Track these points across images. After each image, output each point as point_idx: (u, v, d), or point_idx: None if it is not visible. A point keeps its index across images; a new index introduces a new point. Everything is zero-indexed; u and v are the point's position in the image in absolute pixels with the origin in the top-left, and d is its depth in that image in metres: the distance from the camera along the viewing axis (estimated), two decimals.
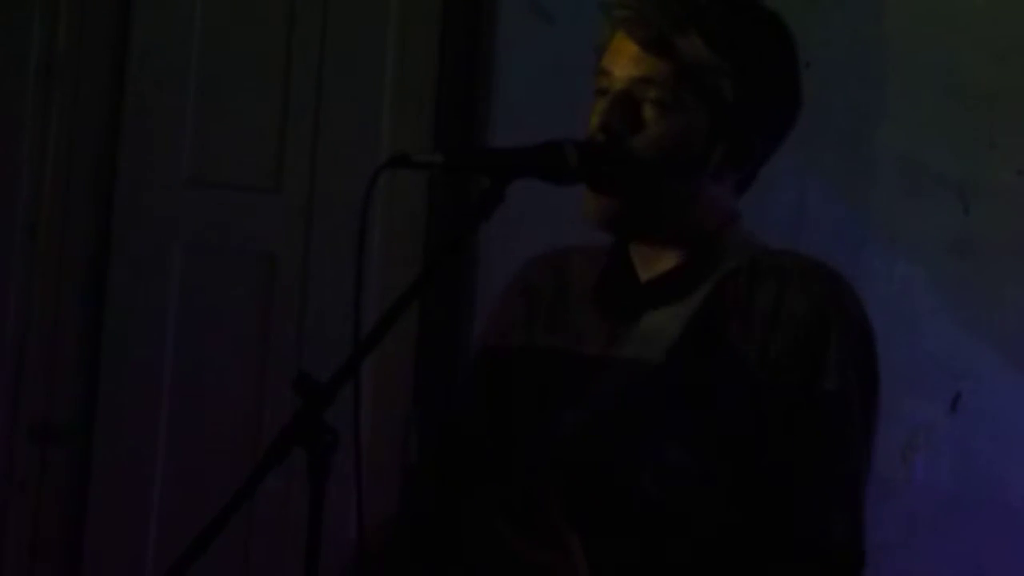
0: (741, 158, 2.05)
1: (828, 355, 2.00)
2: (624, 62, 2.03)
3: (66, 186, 3.65)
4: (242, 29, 3.67)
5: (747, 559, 1.99)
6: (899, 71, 3.67)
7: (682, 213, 2.06)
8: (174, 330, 3.61)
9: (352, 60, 3.64)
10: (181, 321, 3.62)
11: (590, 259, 2.18)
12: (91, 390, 3.61)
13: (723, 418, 1.99)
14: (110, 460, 3.58)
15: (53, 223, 3.64)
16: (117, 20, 3.67)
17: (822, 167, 3.60)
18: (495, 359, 2.18)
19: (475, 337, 2.24)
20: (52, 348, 3.63)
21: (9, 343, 3.62)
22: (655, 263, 2.09)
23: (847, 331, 2.02)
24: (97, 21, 3.69)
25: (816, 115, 3.58)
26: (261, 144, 3.65)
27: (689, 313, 2.03)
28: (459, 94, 3.62)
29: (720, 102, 2.01)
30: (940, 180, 3.66)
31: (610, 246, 2.15)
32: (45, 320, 3.63)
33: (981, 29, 3.62)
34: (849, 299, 2.05)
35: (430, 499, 2.22)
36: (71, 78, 3.66)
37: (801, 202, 3.55)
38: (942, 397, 3.62)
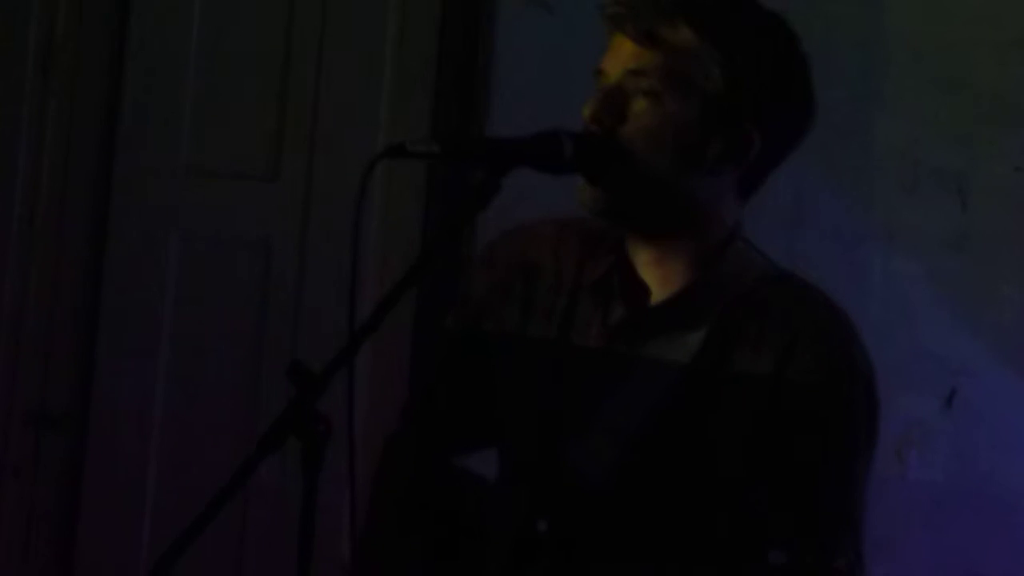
0: (738, 153, 2.04)
1: (836, 408, 2.02)
2: (617, 59, 2.04)
3: (63, 175, 3.65)
4: (240, 18, 3.67)
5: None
6: (898, 66, 3.67)
7: (682, 211, 2.05)
8: (170, 318, 3.61)
9: (350, 49, 3.64)
10: (177, 309, 3.62)
11: (560, 236, 2.16)
12: (87, 377, 3.61)
13: (725, 449, 2.01)
14: (105, 447, 3.59)
15: (50, 212, 3.64)
16: (115, 10, 3.67)
17: (820, 162, 3.60)
18: (468, 337, 2.18)
19: (449, 314, 2.22)
20: (48, 335, 3.64)
21: (5, 330, 3.63)
22: (660, 275, 2.07)
23: (854, 388, 2.04)
24: (95, 10, 3.69)
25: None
26: (258, 133, 3.65)
27: (697, 346, 2.03)
28: (458, 84, 3.62)
29: (711, 92, 2.01)
30: (938, 176, 3.66)
31: (588, 226, 2.14)
32: (42, 307, 3.63)
33: (981, 24, 3.62)
34: (859, 355, 2.06)
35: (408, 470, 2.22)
36: (69, 67, 3.66)
37: (799, 197, 3.55)
38: (938, 393, 3.61)
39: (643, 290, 2.07)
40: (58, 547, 3.60)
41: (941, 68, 3.65)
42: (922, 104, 3.67)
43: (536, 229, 2.19)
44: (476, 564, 2.11)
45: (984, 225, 3.65)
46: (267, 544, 3.53)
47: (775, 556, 2.00)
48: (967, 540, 3.61)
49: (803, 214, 3.58)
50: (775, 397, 2.00)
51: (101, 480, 3.58)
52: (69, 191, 3.65)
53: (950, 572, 3.62)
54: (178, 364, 3.61)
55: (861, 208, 3.62)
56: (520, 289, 2.15)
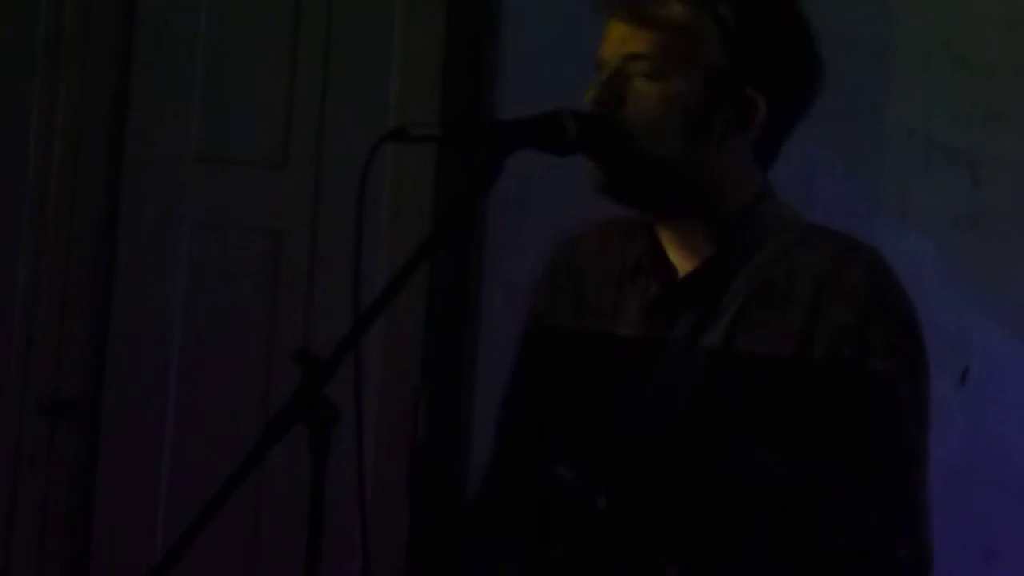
0: (745, 120, 2.03)
1: (871, 343, 1.97)
2: (614, 45, 2.03)
3: (74, 163, 3.65)
4: (249, 5, 3.67)
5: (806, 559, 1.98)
6: (908, 43, 3.66)
7: (692, 186, 2.04)
8: (181, 305, 3.62)
9: (359, 35, 3.64)
10: (188, 296, 3.62)
11: (603, 235, 2.17)
12: (99, 365, 3.61)
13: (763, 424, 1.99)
14: (119, 434, 3.59)
15: (61, 200, 3.65)
16: None
17: (831, 141, 3.59)
18: (536, 345, 2.20)
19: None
20: (61, 323, 3.64)
21: (18, 318, 3.63)
22: (687, 249, 2.07)
23: (890, 318, 1.99)
24: None
25: (825, 89, 3.60)
26: (268, 120, 3.65)
27: (727, 320, 2.01)
28: (466, 68, 3.62)
29: (711, 64, 2.00)
30: (949, 153, 3.65)
31: (631, 222, 2.14)
32: (54, 296, 3.64)
33: (991, 2, 3.61)
34: (892, 286, 2.02)
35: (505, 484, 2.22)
36: (78, 54, 3.66)
37: (810, 176, 3.54)
38: (951, 371, 3.61)
39: (671, 269, 2.08)
40: (73, 534, 3.61)
41: (951, 46, 3.65)
42: (933, 82, 3.66)
43: (582, 233, 2.20)
44: (545, 544, 2.12)
45: (995, 202, 3.65)
46: (279, 528, 3.54)
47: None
48: (981, 518, 3.61)
49: (814, 192, 3.57)
50: (807, 352, 1.97)
51: (115, 467, 3.59)
52: (79, 180, 3.65)
53: (964, 550, 3.62)
54: (190, 351, 3.61)
55: (872, 186, 3.61)
56: (572, 289, 2.17)
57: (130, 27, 3.65)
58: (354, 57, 3.64)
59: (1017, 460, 3.63)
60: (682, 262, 2.08)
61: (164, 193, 3.63)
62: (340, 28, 3.64)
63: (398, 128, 1.89)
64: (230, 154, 3.65)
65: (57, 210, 3.64)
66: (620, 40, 2.02)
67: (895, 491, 1.99)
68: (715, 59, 1.99)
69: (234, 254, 3.64)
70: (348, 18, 3.64)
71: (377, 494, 3.45)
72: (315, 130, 3.64)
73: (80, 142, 3.66)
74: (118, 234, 3.62)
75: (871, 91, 3.65)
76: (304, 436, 1.75)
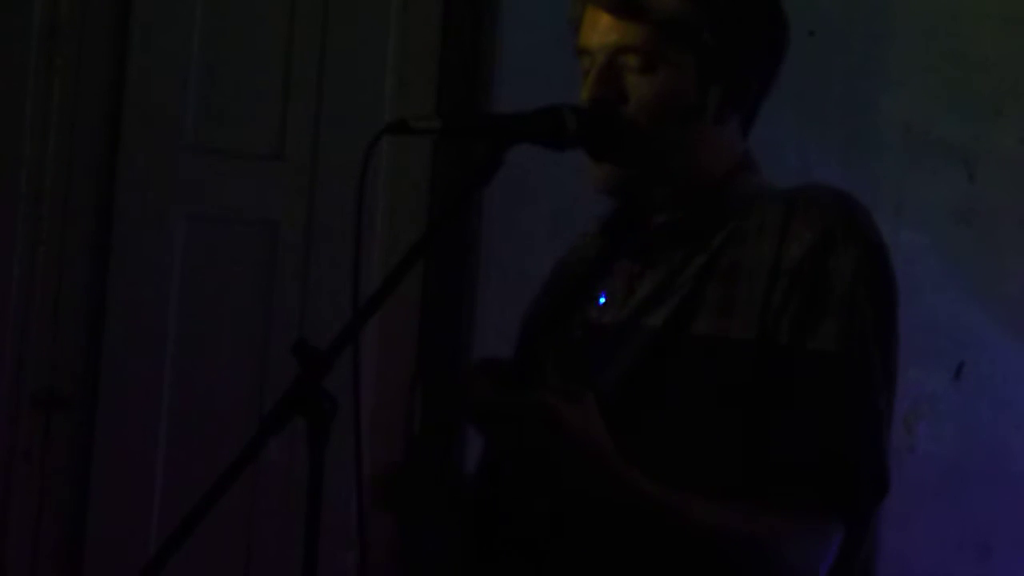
0: (739, 98, 2.02)
1: (836, 261, 1.93)
2: (599, 35, 2.01)
3: (68, 154, 3.65)
4: None
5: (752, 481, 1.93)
6: (903, 38, 3.66)
7: (686, 160, 2.03)
8: (177, 297, 3.61)
9: (355, 26, 3.64)
10: (184, 288, 3.62)
11: (590, 228, 2.17)
12: (95, 358, 3.61)
13: (726, 375, 1.95)
14: (114, 428, 3.59)
15: (56, 190, 3.64)
16: None
17: (826, 135, 3.60)
18: (525, 333, 2.19)
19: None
20: (55, 315, 3.63)
21: (13, 311, 3.62)
22: (664, 209, 2.06)
23: (855, 249, 1.95)
24: None
25: (819, 83, 3.60)
26: (264, 111, 3.64)
27: (694, 272, 1.99)
28: (463, 61, 3.61)
29: (703, 49, 1.99)
30: (945, 148, 3.66)
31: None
32: (48, 288, 3.63)
33: None
34: (861, 219, 1.99)
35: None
36: (74, 44, 3.65)
37: (805, 170, 3.54)
38: (946, 366, 3.62)
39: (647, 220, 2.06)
40: (68, 527, 3.61)
41: (947, 41, 3.65)
42: (928, 77, 3.66)
43: (574, 240, 2.20)
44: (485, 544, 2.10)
45: (991, 197, 3.65)
46: (275, 521, 3.54)
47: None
48: (977, 512, 3.61)
49: None
50: (775, 276, 1.93)
51: (110, 461, 3.58)
52: (74, 171, 3.65)
53: (960, 544, 3.62)
54: (185, 343, 3.61)
55: (868, 181, 3.61)
56: (557, 285, 2.17)
57: (126, 18, 3.64)
58: (351, 49, 3.63)
59: (1012, 454, 3.63)
60: (658, 215, 2.06)
61: (159, 185, 3.62)
62: (336, 20, 3.63)
63: (398, 120, 1.88)
64: (226, 146, 3.65)
65: (52, 202, 3.64)
66: (605, 30, 2.00)
67: (855, 413, 1.94)
68: (706, 43, 1.99)
69: (230, 246, 3.64)
70: (345, 10, 3.64)
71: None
72: (311, 122, 3.63)
73: (75, 133, 3.65)
74: (113, 226, 3.61)
75: (867, 87, 3.66)
76: (298, 428, 1.75)
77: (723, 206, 2.02)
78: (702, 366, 1.94)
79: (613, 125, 1.99)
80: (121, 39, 3.64)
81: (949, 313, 3.60)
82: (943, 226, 3.64)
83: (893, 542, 3.31)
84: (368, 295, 1.84)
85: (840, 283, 1.93)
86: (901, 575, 3.50)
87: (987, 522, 3.62)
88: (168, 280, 3.61)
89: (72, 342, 3.63)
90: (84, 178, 3.64)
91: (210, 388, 3.60)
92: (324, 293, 3.57)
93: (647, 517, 1.87)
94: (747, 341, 1.93)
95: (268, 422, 1.72)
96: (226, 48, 3.65)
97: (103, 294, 3.61)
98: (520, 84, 3.49)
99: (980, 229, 3.64)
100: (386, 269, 3.12)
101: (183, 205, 3.63)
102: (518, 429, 1.83)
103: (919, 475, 3.54)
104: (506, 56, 3.56)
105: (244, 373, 3.59)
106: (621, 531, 1.90)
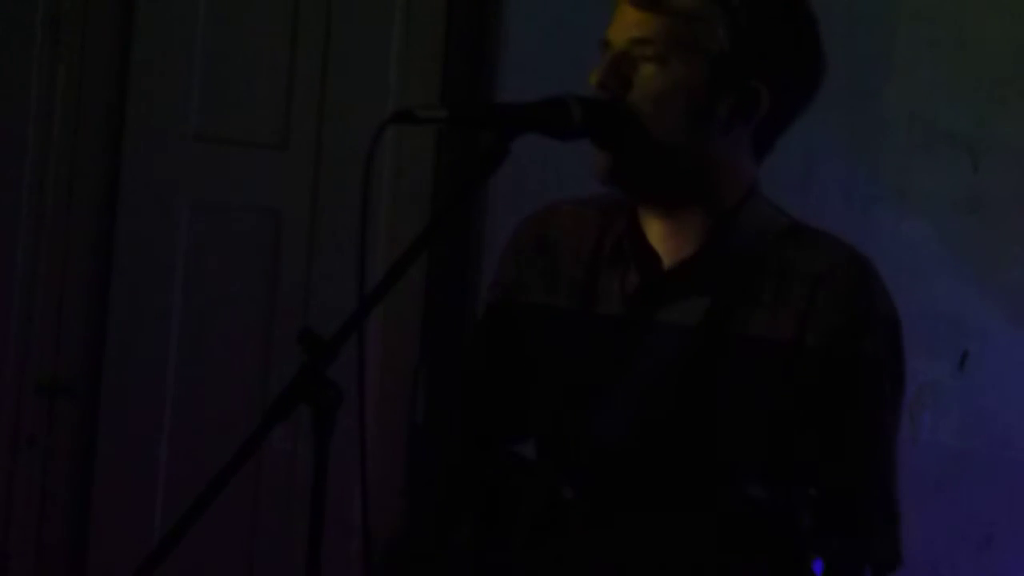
0: (747, 109, 2.03)
1: (860, 345, 2.02)
2: (622, 28, 2.03)
3: (72, 144, 3.65)
4: None
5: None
6: (908, 28, 3.66)
7: (695, 173, 2.04)
8: (181, 285, 3.62)
9: (360, 16, 3.63)
10: (188, 276, 3.62)
11: (577, 212, 2.16)
12: (98, 345, 3.61)
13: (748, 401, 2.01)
14: (118, 415, 3.59)
15: (60, 179, 3.64)
16: None
17: (830, 124, 3.59)
18: (502, 318, 2.18)
19: (480, 298, 2.23)
20: (60, 303, 3.63)
21: (17, 298, 3.62)
22: (677, 239, 2.06)
23: (878, 326, 2.03)
24: None
25: (823, 83, 3.60)
26: (268, 100, 3.64)
27: (708, 306, 2.02)
28: (467, 50, 3.62)
29: (717, 51, 2.00)
30: (949, 137, 3.65)
31: (606, 201, 2.14)
32: (53, 276, 3.63)
33: None
34: (879, 296, 2.05)
35: (446, 455, 2.23)
36: (78, 33, 3.65)
37: (810, 159, 3.54)
38: (949, 355, 3.62)
39: (654, 257, 2.07)
40: (72, 514, 3.61)
41: (951, 30, 3.65)
42: (932, 66, 3.66)
43: (555, 207, 2.19)
44: (508, 535, 2.11)
45: (995, 186, 3.65)
46: (280, 510, 3.54)
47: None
48: (980, 502, 3.62)
49: (813, 176, 3.58)
50: (798, 356, 1.99)
51: (114, 448, 3.59)
52: (78, 160, 3.65)
53: (963, 534, 3.63)
54: (189, 332, 3.61)
55: (871, 170, 3.61)
56: (543, 264, 2.15)
57: (130, 6, 3.64)
58: (355, 38, 3.63)
59: (1015, 444, 3.63)
60: (668, 251, 2.07)
61: (164, 173, 3.62)
62: (342, 9, 3.63)
63: (404, 110, 1.88)
64: (230, 135, 3.65)
65: (56, 190, 3.64)
66: (629, 24, 2.02)
67: (872, 486, 2.08)
68: (722, 48, 2.00)
69: (234, 235, 3.64)
70: (349, 0, 3.64)
71: (374, 475, 3.45)
72: (316, 111, 3.63)
73: (79, 122, 3.65)
74: (117, 215, 3.62)
75: (872, 75, 3.65)
76: (301, 417, 1.75)
77: (732, 241, 2.04)
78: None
79: (616, 113, 1.99)
80: (125, 28, 3.64)
81: (953, 302, 3.61)
82: (947, 215, 3.64)
83: None
84: (372, 284, 1.84)
85: (869, 373, 2.03)
86: (903, 564, 3.50)
87: (991, 513, 3.62)
88: (172, 268, 3.62)
89: (76, 329, 3.63)
90: (88, 167, 3.65)
91: (214, 376, 3.61)
92: (328, 282, 3.57)
93: None
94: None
95: (273, 411, 1.73)
96: (230, 37, 3.65)
97: (107, 282, 3.62)
98: (524, 75, 3.49)
99: (984, 218, 3.64)
100: (390, 258, 3.13)
101: (187, 194, 3.64)
102: None
103: (922, 465, 3.54)
104: (510, 46, 3.56)
105: (248, 362, 3.59)
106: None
